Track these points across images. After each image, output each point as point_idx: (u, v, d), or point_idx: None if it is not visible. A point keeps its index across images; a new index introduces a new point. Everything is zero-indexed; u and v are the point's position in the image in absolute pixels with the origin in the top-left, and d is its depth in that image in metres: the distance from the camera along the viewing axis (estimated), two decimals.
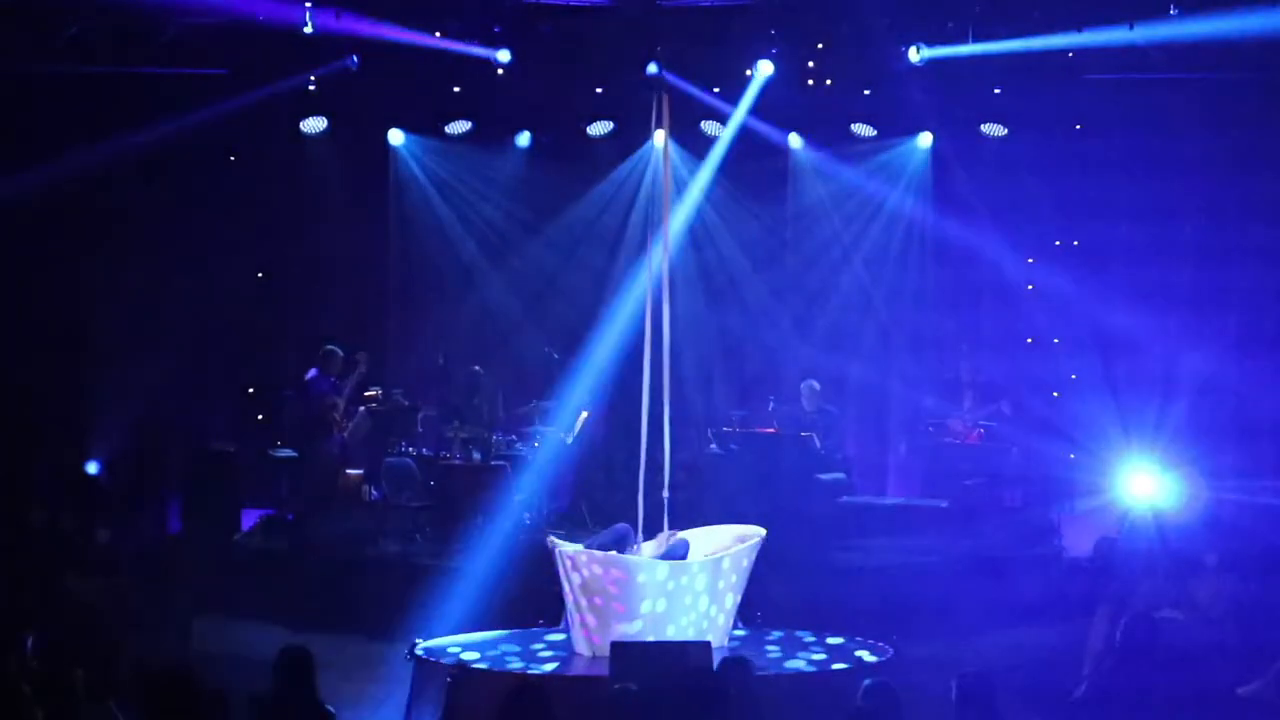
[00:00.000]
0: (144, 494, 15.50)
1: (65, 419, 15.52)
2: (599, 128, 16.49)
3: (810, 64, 15.24)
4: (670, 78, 12.14)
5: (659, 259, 11.70)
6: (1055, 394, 16.05)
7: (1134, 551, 8.41)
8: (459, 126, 16.58)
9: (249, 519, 15.45)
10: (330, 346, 14.87)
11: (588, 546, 10.87)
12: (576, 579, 10.57)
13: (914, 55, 14.65)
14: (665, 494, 11.07)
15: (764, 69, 15.00)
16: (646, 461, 11.20)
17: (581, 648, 10.60)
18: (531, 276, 16.89)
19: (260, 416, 16.32)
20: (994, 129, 16.17)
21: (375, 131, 16.63)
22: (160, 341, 15.75)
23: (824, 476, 14.54)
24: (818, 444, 14.78)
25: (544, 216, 16.85)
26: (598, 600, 10.48)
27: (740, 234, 16.78)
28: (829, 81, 15.58)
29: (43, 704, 6.88)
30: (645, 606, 10.42)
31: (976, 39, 14.50)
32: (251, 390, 16.46)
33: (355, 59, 14.92)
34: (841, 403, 16.13)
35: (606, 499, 15.14)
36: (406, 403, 15.15)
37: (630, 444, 11.37)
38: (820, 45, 15.00)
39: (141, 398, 15.57)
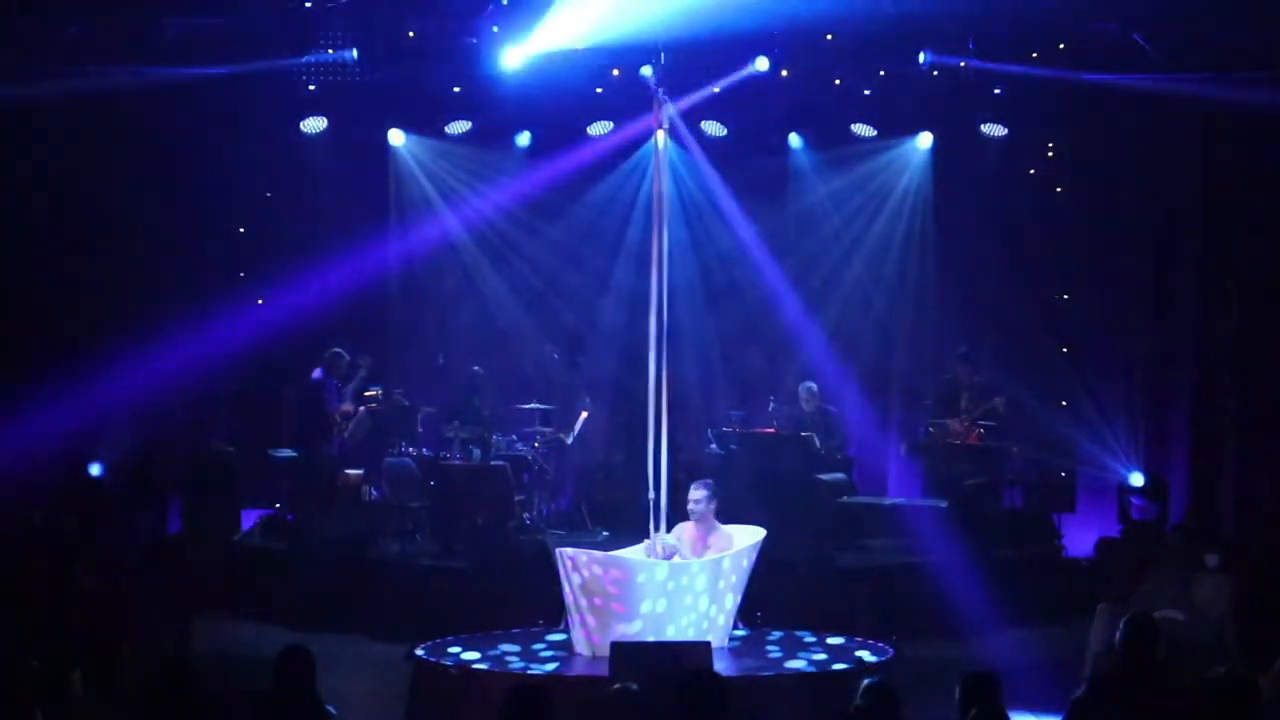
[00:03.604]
0: (144, 494, 15.51)
1: (69, 420, 15.50)
2: (599, 127, 16.48)
3: (811, 64, 15.23)
4: (667, 79, 12.13)
5: (658, 259, 11.67)
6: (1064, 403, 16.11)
7: None
8: (459, 126, 16.58)
9: (249, 519, 15.46)
10: (336, 349, 14.87)
11: None
12: (576, 579, 10.56)
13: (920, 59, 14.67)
14: (650, 495, 11.05)
15: (760, 65, 14.97)
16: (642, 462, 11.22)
17: (581, 648, 10.59)
18: (531, 277, 16.89)
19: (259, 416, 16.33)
20: (994, 129, 16.16)
21: (375, 131, 16.61)
22: (161, 342, 15.73)
23: (824, 476, 14.53)
24: (818, 444, 14.78)
25: (544, 218, 16.85)
26: (598, 600, 10.47)
27: (741, 235, 16.76)
28: (837, 81, 15.59)
29: (43, 704, 6.88)
30: (645, 606, 10.42)
31: (977, 45, 14.52)
32: (251, 390, 16.44)
33: (355, 53, 14.90)
34: (841, 403, 16.12)
35: (606, 499, 15.16)
36: (406, 403, 15.14)
37: (630, 444, 11.36)
38: (819, 45, 14.98)
39: (143, 399, 15.55)
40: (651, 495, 11.02)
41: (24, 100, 14.54)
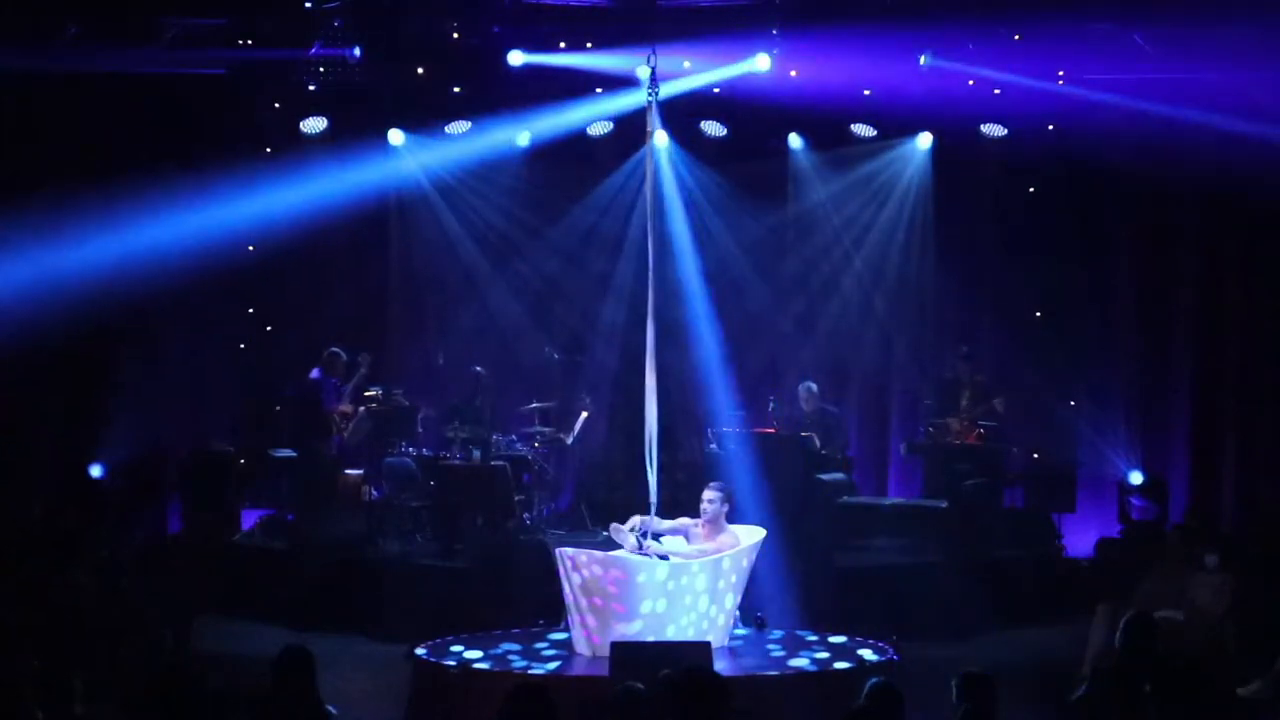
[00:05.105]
0: (144, 494, 15.51)
1: (72, 422, 15.52)
2: (599, 128, 16.48)
3: (809, 63, 15.22)
4: (666, 79, 12.12)
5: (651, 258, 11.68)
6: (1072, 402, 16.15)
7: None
8: (459, 126, 16.57)
9: (249, 519, 15.47)
10: (334, 349, 14.87)
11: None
12: (576, 579, 10.57)
13: (922, 61, 14.68)
14: (639, 522, 11.03)
15: (760, 63, 14.95)
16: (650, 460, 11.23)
17: (582, 648, 10.60)
18: (532, 278, 16.89)
19: (260, 416, 16.32)
20: (994, 129, 16.15)
21: (375, 131, 16.60)
22: (162, 342, 15.73)
23: (824, 476, 14.53)
24: (817, 444, 14.78)
25: (544, 218, 16.85)
26: (598, 600, 10.48)
27: (741, 235, 16.77)
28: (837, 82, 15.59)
29: (43, 705, 6.88)
30: (645, 606, 10.42)
31: (976, 44, 14.53)
32: (251, 390, 16.44)
33: (357, 50, 14.90)
34: (842, 403, 16.13)
35: (606, 499, 15.16)
36: (406, 403, 15.15)
37: (630, 444, 11.37)
38: (818, 45, 14.97)
39: (145, 400, 15.56)
40: (638, 522, 11.00)
41: (23, 98, 14.59)
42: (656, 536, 10.88)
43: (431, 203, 16.76)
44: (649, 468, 11.10)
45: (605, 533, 11.91)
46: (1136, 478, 15.69)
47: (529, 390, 16.02)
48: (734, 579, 10.87)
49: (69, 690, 7.12)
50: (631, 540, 10.74)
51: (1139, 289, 16.39)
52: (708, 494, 11.03)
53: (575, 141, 16.50)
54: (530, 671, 10.07)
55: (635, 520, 10.90)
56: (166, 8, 14.18)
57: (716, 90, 15.58)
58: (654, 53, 11.86)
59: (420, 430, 15.19)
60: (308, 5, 14.10)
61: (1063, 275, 16.28)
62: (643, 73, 11.99)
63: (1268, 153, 14.76)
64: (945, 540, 14.10)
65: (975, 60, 14.79)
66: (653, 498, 11.10)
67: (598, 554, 10.72)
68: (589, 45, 14.88)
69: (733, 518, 11.30)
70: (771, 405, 15.39)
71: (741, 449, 14.77)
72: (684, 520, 11.12)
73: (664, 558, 10.67)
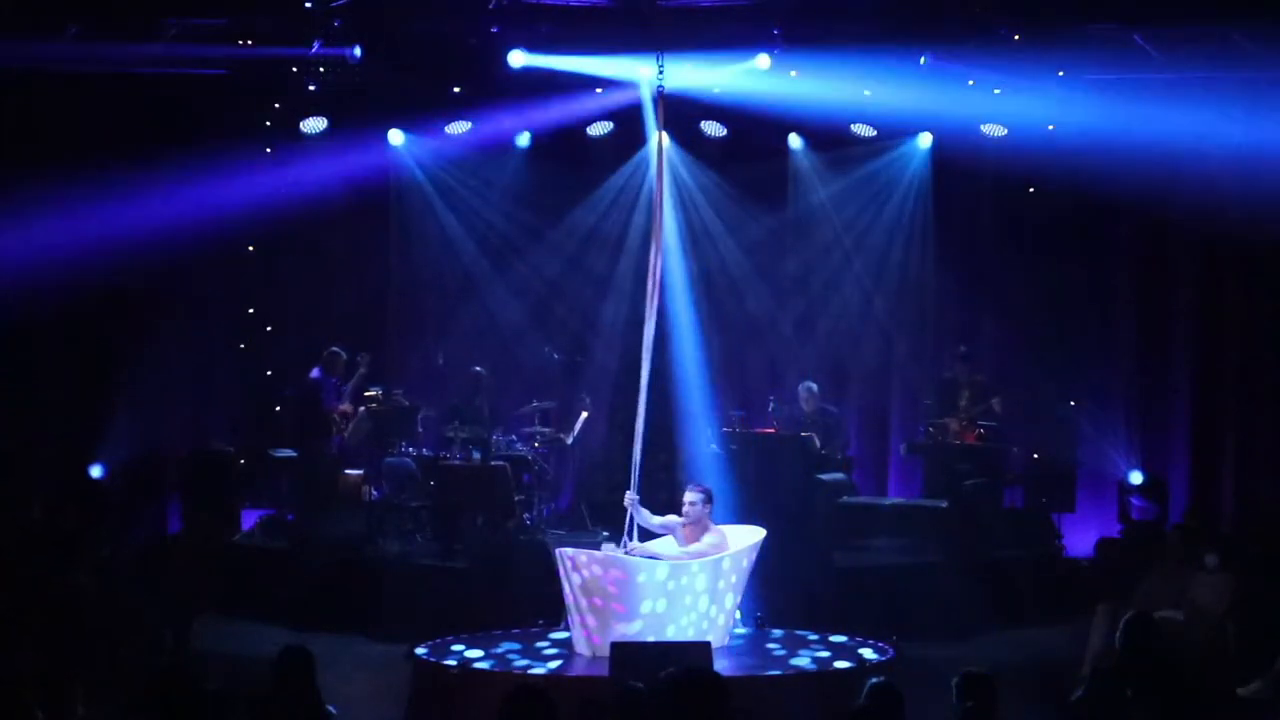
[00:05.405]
0: (144, 494, 15.51)
1: (72, 422, 15.52)
2: (599, 128, 16.48)
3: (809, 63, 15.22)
4: (668, 78, 12.14)
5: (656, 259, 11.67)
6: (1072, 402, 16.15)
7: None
8: (459, 126, 16.57)
9: (249, 519, 15.47)
10: (334, 349, 14.87)
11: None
12: (576, 579, 10.57)
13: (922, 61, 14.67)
14: (633, 496, 11.06)
15: (761, 62, 14.95)
16: (646, 460, 11.24)
17: (582, 648, 10.60)
18: (532, 278, 16.88)
19: (260, 416, 16.33)
20: (994, 129, 16.15)
21: (375, 131, 16.60)
22: (162, 342, 15.73)
23: (824, 476, 14.53)
24: (817, 444, 14.78)
25: (544, 218, 16.84)
26: (598, 601, 10.48)
27: (741, 235, 16.78)
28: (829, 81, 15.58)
29: (43, 705, 6.88)
30: (645, 606, 10.43)
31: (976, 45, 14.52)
32: (251, 390, 16.45)
33: (358, 50, 14.90)
34: (842, 403, 16.13)
35: (606, 499, 15.17)
36: (406, 403, 15.15)
37: (630, 444, 11.38)
38: (818, 45, 14.96)
39: (145, 400, 15.56)
40: (633, 496, 11.03)
41: (23, 97, 14.58)
42: (645, 536, 10.90)
43: (431, 203, 16.76)
44: (634, 455, 11.15)
45: (605, 533, 12.01)
46: (1136, 478, 15.69)
47: (529, 390, 16.02)
48: (734, 579, 10.87)
49: (69, 690, 7.13)
50: (620, 554, 10.78)
51: (1139, 289, 16.38)
52: (688, 495, 11.06)
53: (575, 141, 16.52)
54: (530, 671, 10.08)
55: (628, 497, 10.94)
56: (167, 8, 14.16)
57: (716, 90, 15.57)
58: (661, 56, 11.88)
59: (420, 430, 15.18)
60: (308, 5, 14.07)
61: (1063, 275, 16.27)
62: (649, 72, 12.00)
63: (1268, 153, 14.76)
64: (945, 540, 14.10)
65: (975, 60, 14.77)
66: (634, 480, 11.13)
67: (598, 554, 10.73)
68: (589, 46, 14.86)
69: (733, 518, 11.29)
70: (771, 405, 15.39)
71: (742, 449, 14.79)
72: (672, 518, 11.16)
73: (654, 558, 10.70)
